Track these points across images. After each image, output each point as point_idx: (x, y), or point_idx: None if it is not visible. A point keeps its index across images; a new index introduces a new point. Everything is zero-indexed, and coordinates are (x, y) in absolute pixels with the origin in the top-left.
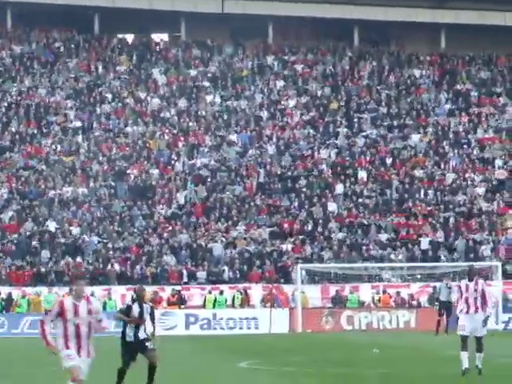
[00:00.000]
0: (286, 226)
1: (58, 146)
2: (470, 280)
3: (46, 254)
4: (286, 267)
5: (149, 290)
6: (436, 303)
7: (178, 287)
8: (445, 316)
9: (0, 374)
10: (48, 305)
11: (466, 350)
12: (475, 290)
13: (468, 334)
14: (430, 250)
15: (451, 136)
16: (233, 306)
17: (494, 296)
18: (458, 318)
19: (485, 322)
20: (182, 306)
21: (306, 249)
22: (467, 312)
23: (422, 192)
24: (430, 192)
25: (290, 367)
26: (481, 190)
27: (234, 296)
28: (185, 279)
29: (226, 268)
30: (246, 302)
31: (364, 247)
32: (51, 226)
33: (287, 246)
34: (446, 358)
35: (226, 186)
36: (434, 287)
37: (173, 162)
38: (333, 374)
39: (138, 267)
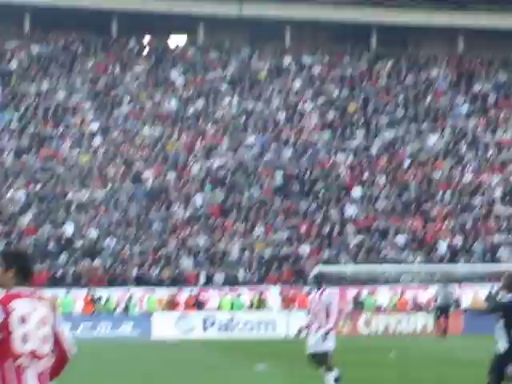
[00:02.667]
0: (303, 228)
1: (76, 149)
2: (319, 288)
3: (63, 256)
4: (303, 270)
5: (166, 292)
6: (434, 307)
7: (196, 290)
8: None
9: None
10: (66, 308)
11: (318, 368)
12: (319, 301)
13: (311, 351)
14: (448, 253)
15: (469, 138)
16: (251, 306)
17: (338, 310)
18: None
19: (324, 335)
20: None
21: (323, 252)
22: (311, 330)
23: (440, 194)
24: (448, 194)
25: (303, 370)
26: (498, 191)
27: (254, 298)
28: (202, 282)
29: (242, 270)
30: (261, 304)
31: (383, 251)
32: (69, 229)
33: (304, 249)
34: (459, 362)
35: (244, 188)
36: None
37: (190, 164)
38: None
39: (156, 270)
